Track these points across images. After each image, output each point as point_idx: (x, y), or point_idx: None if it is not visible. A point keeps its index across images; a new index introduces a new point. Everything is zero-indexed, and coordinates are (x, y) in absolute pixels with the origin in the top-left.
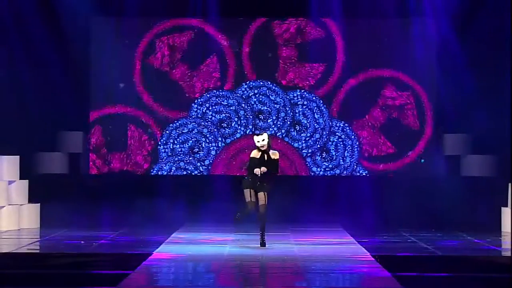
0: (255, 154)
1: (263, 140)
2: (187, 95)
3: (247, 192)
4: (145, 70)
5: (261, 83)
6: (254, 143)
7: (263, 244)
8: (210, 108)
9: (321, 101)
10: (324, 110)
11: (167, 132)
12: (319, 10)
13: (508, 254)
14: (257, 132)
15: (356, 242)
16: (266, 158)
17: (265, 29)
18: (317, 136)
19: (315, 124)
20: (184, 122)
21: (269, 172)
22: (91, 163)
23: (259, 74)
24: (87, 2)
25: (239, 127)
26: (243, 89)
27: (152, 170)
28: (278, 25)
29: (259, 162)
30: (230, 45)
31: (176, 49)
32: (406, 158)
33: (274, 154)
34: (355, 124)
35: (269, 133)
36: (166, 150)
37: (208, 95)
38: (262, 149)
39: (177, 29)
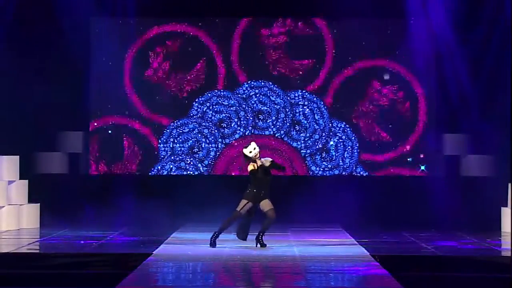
0: (253, 167)
1: (254, 148)
2: (180, 98)
3: (244, 202)
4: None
5: (262, 83)
6: (246, 157)
7: (264, 244)
8: (211, 108)
9: (322, 102)
10: (325, 111)
11: (168, 131)
12: (313, 9)
13: (508, 254)
14: (245, 146)
15: (356, 242)
16: (263, 168)
17: (252, 30)
18: (316, 136)
19: (315, 125)
20: (185, 122)
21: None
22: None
23: (250, 74)
24: (87, 2)
25: (239, 127)
26: (244, 89)
27: (152, 170)
28: (267, 25)
29: (261, 172)
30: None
31: (168, 57)
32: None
33: (266, 161)
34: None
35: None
36: (166, 149)
37: (209, 95)
38: (256, 157)
39: (168, 35)
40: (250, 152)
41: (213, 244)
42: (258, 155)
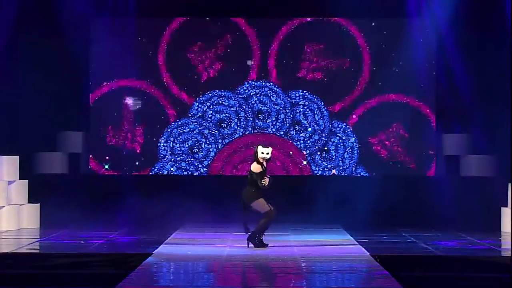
0: (258, 168)
1: (268, 153)
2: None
3: (262, 201)
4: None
5: (263, 83)
6: (255, 154)
7: (265, 244)
8: (211, 107)
9: (322, 103)
10: (325, 111)
11: (168, 130)
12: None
13: (508, 254)
14: (264, 145)
15: (356, 242)
16: (265, 168)
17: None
18: (316, 137)
19: (315, 125)
20: (186, 121)
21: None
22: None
23: (280, 74)
24: (87, 2)
25: (238, 128)
26: (245, 88)
27: (152, 170)
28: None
29: (264, 175)
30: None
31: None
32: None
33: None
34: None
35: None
36: (166, 148)
37: (210, 94)
38: (264, 161)
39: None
40: (263, 153)
41: (263, 244)
42: (266, 162)
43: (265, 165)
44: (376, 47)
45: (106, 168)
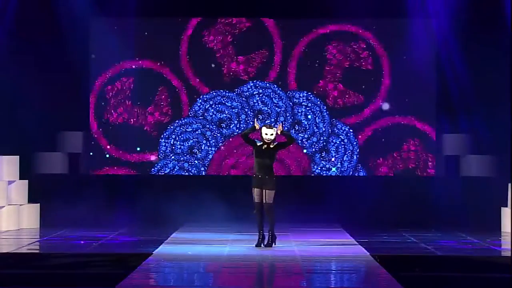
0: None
1: (271, 134)
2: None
3: (254, 191)
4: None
5: (268, 84)
6: (260, 135)
7: (269, 244)
8: (213, 106)
9: (325, 107)
10: (326, 116)
11: (171, 127)
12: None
13: (508, 254)
14: (268, 123)
15: (356, 242)
16: (266, 147)
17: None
18: (315, 139)
19: (315, 128)
20: (189, 121)
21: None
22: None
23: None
24: (87, 2)
25: (237, 130)
26: (249, 87)
27: (152, 169)
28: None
29: (258, 150)
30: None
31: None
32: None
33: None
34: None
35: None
36: (167, 145)
37: (214, 93)
38: (266, 141)
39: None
40: (266, 134)
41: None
42: (270, 141)
43: (269, 144)
44: (391, 53)
45: (107, 157)
